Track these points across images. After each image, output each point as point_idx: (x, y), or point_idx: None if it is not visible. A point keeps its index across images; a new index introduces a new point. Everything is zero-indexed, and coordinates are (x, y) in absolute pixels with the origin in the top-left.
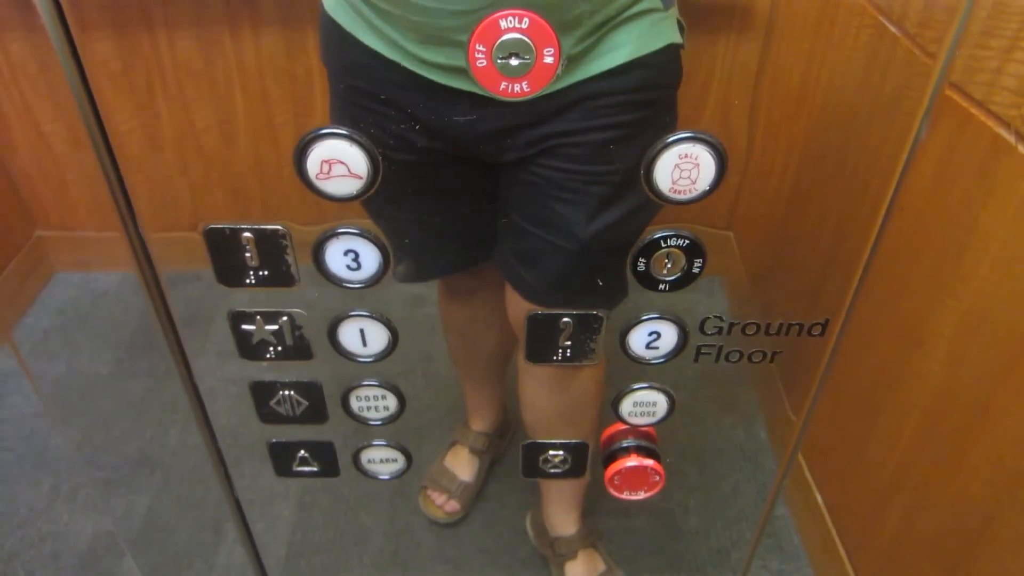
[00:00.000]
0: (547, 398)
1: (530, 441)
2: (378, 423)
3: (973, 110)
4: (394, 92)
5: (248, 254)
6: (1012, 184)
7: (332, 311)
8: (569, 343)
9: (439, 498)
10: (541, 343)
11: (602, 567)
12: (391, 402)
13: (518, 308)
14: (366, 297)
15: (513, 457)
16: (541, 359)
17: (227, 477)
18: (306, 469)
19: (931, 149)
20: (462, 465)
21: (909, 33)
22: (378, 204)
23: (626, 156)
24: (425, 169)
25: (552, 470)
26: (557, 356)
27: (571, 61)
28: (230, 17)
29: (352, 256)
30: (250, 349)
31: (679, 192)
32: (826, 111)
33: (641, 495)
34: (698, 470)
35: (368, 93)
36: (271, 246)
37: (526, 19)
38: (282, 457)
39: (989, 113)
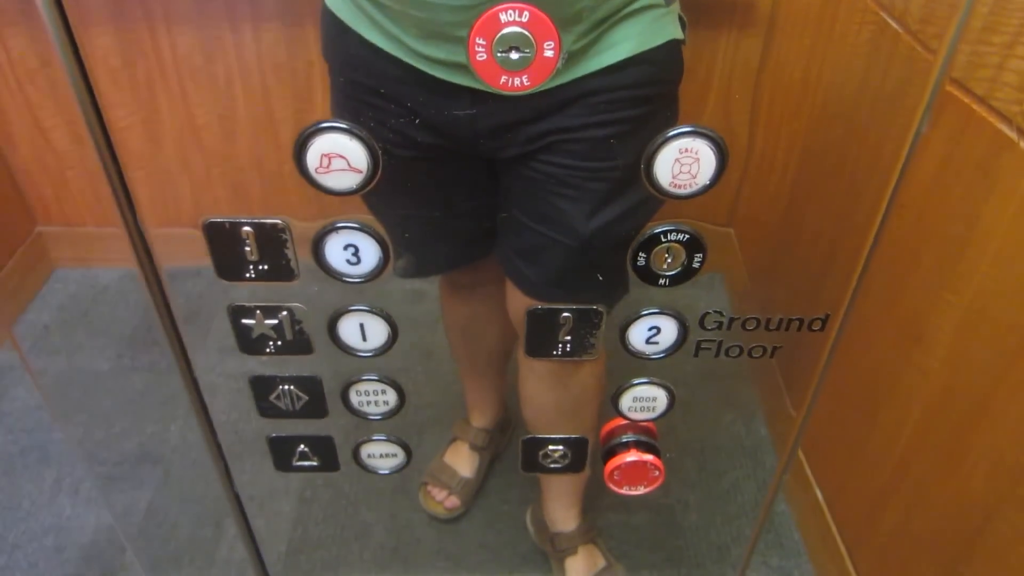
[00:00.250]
0: (547, 394)
1: (530, 436)
2: (378, 418)
3: (975, 106)
4: (395, 87)
5: (248, 248)
6: (1013, 181)
7: (333, 306)
8: (569, 338)
9: (439, 494)
10: (541, 338)
11: (602, 562)
12: (391, 397)
13: (519, 304)
14: (366, 292)
15: (513, 453)
16: (541, 354)
17: (227, 472)
18: (306, 464)
19: (932, 146)
20: (462, 461)
21: (911, 29)
22: (379, 199)
23: (627, 152)
24: (426, 165)
25: (552, 465)
26: (557, 351)
27: (572, 57)
28: (230, 12)
29: (352, 250)
30: (250, 343)
31: (679, 187)
32: (827, 107)
33: (641, 490)
34: (698, 466)
35: (369, 88)
36: (270, 240)
37: (526, 12)
38: (282, 452)
39: (991, 109)
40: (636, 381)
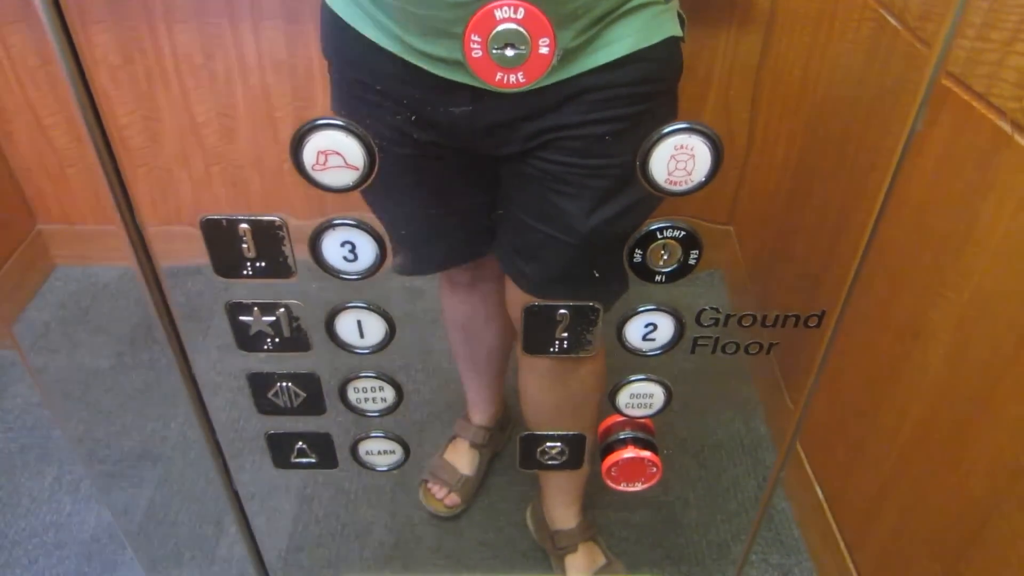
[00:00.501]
0: (547, 391)
1: (527, 433)
2: (376, 415)
3: (974, 103)
4: (394, 85)
5: (245, 245)
6: (1013, 177)
7: (332, 303)
8: (566, 335)
9: (439, 492)
10: (538, 335)
11: (602, 560)
12: (388, 394)
13: (518, 301)
14: (366, 290)
15: (513, 451)
16: (538, 351)
17: (226, 470)
18: (304, 461)
19: (932, 142)
20: (462, 459)
21: (910, 26)
22: (378, 197)
23: (626, 149)
24: (425, 162)
25: (549, 462)
26: (554, 348)
27: (571, 54)
28: (230, 10)
29: (349, 247)
30: (248, 340)
31: (675, 183)
32: (827, 105)
33: (638, 487)
34: (698, 464)
35: (368, 85)
36: (268, 237)
37: (521, 9)
38: (280, 449)
39: (990, 106)
40: (633, 378)
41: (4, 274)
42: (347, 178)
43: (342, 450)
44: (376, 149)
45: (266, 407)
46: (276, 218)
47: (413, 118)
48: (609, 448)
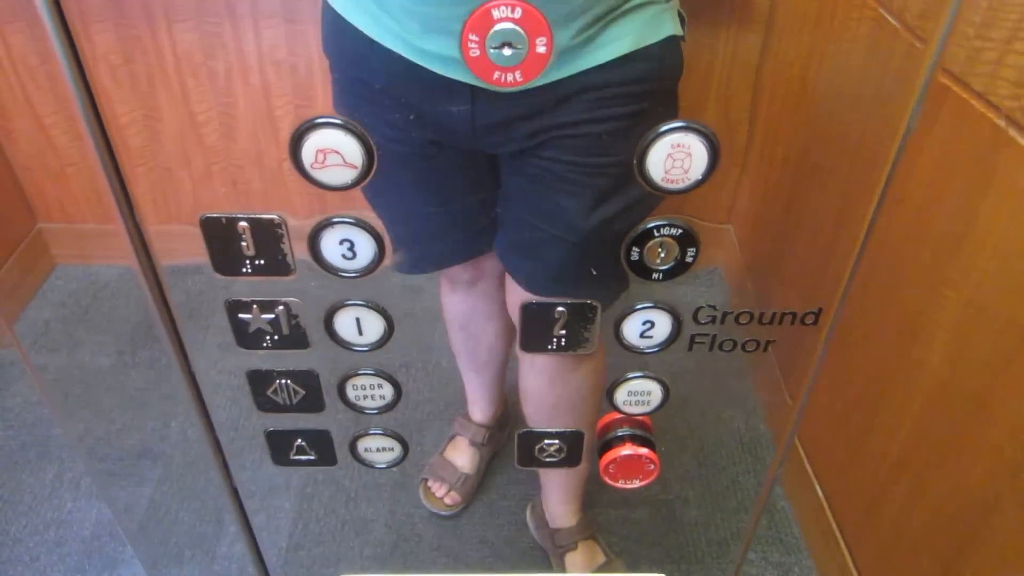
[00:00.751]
0: (548, 390)
1: (525, 430)
2: (374, 412)
3: (973, 101)
4: (395, 83)
5: (244, 243)
6: (1012, 176)
7: (331, 301)
8: (564, 332)
9: (440, 490)
10: (536, 332)
11: (602, 558)
12: (387, 391)
13: (518, 300)
14: (366, 288)
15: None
16: (536, 348)
17: (225, 467)
18: (303, 458)
19: (931, 141)
20: (462, 457)
21: (908, 25)
22: (379, 195)
23: (626, 148)
24: (425, 161)
25: (547, 459)
26: (552, 345)
27: (571, 52)
28: (230, 9)
29: (347, 245)
30: (247, 338)
31: (672, 182)
32: (826, 104)
33: (636, 484)
34: (698, 462)
35: (369, 84)
36: (267, 235)
37: (519, 8)
38: (280, 446)
39: (989, 104)
40: (630, 375)
41: (4, 273)
42: (346, 176)
43: (341, 448)
44: (374, 147)
45: (265, 404)
46: (275, 216)
47: (413, 117)
48: (607, 445)
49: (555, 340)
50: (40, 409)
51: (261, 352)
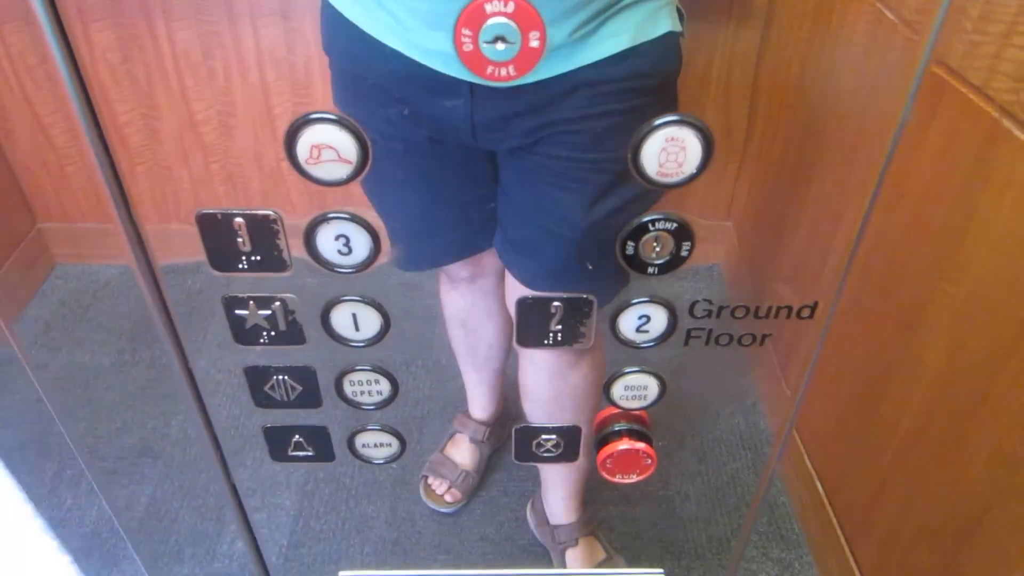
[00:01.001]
0: (547, 386)
1: (523, 425)
2: (372, 407)
3: (971, 96)
4: (393, 80)
5: (240, 239)
6: (1010, 170)
7: (328, 298)
8: (560, 327)
9: (440, 487)
10: (531, 327)
11: (602, 555)
12: (384, 387)
13: (517, 295)
14: (363, 284)
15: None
16: (532, 343)
17: (224, 465)
18: (302, 454)
19: (930, 135)
20: (463, 454)
21: (906, 20)
22: (378, 192)
23: (624, 144)
24: (423, 157)
25: (545, 454)
26: (548, 340)
27: (569, 48)
28: (229, 7)
29: (343, 241)
30: (244, 334)
31: (666, 175)
32: (825, 99)
33: (634, 478)
34: (698, 458)
35: (368, 80)
36: (262, 231)
37: (511, 3)
38: (278, 442)
39: (987, 98)
40: (627, 369)
41: (4, 273)
42: (340, 172)
43: (339, 444)
44: (369, 143)
45: (263, 400)
46: (270, 212)
47: (412, 113)
48: (604, 440)
49: (551, 335)
50: (40, 407)
51: (258, 348)
